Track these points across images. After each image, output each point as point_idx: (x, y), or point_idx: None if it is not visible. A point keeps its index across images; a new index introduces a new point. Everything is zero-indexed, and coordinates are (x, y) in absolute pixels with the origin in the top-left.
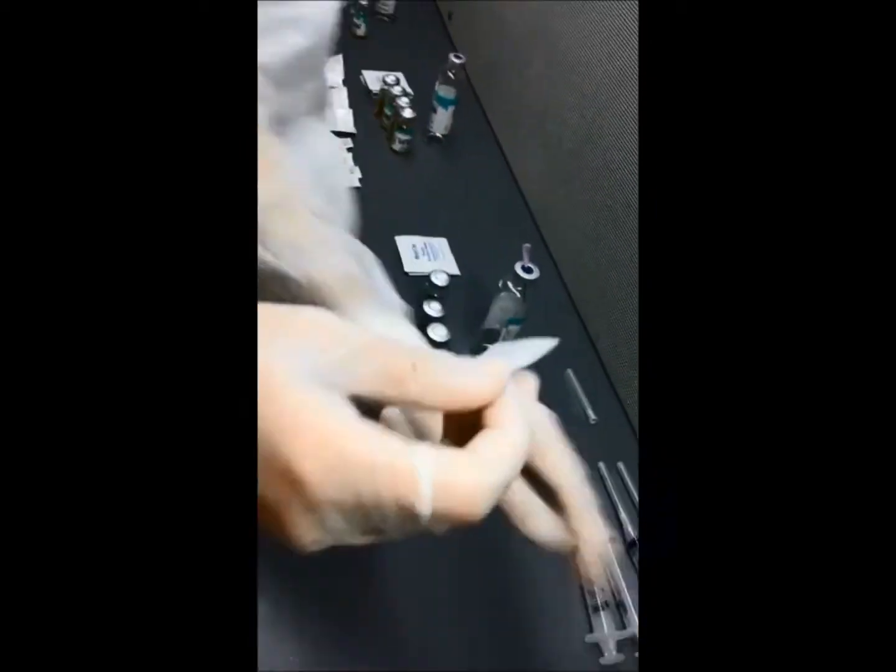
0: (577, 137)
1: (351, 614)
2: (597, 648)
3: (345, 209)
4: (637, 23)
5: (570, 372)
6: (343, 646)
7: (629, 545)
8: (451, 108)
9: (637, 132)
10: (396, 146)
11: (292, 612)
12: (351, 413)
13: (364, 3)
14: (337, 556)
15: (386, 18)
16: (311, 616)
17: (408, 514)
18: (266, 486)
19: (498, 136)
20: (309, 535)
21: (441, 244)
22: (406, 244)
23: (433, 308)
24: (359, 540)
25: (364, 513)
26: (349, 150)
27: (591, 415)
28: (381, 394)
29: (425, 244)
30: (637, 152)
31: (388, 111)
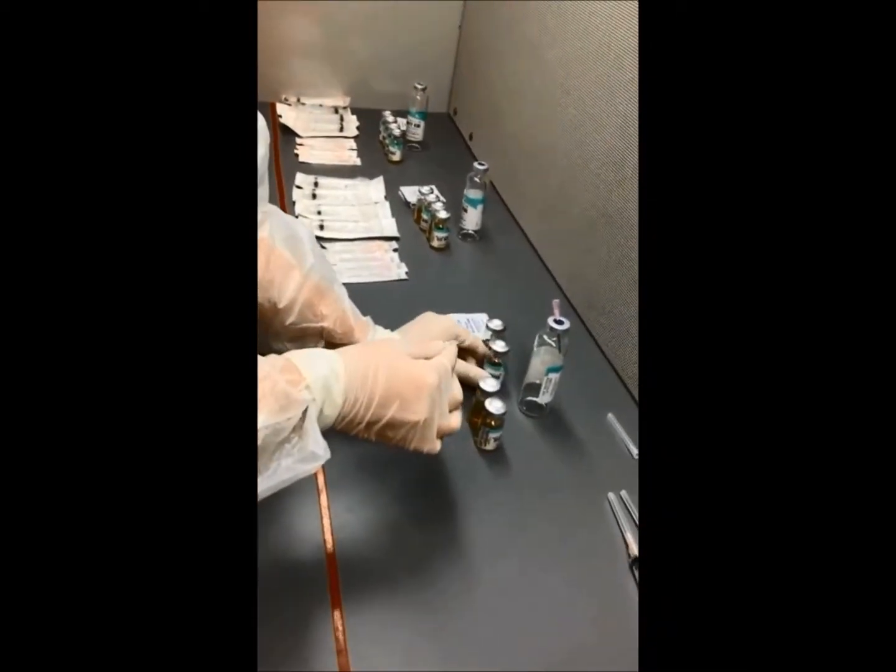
0: (592, 214)
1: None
2: None
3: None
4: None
5: (611, 415)
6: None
7: None
8: (479, 207)
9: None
10: (435, 243)
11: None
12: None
13: (397, 134)
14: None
15: (416, 145)
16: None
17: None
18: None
19: (521, 225)
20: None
21: (482, 318)
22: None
23: (489, 384)
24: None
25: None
26: (395, 250)
27: (635, 451)
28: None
29: (468, 319)
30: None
31: (425, 215)
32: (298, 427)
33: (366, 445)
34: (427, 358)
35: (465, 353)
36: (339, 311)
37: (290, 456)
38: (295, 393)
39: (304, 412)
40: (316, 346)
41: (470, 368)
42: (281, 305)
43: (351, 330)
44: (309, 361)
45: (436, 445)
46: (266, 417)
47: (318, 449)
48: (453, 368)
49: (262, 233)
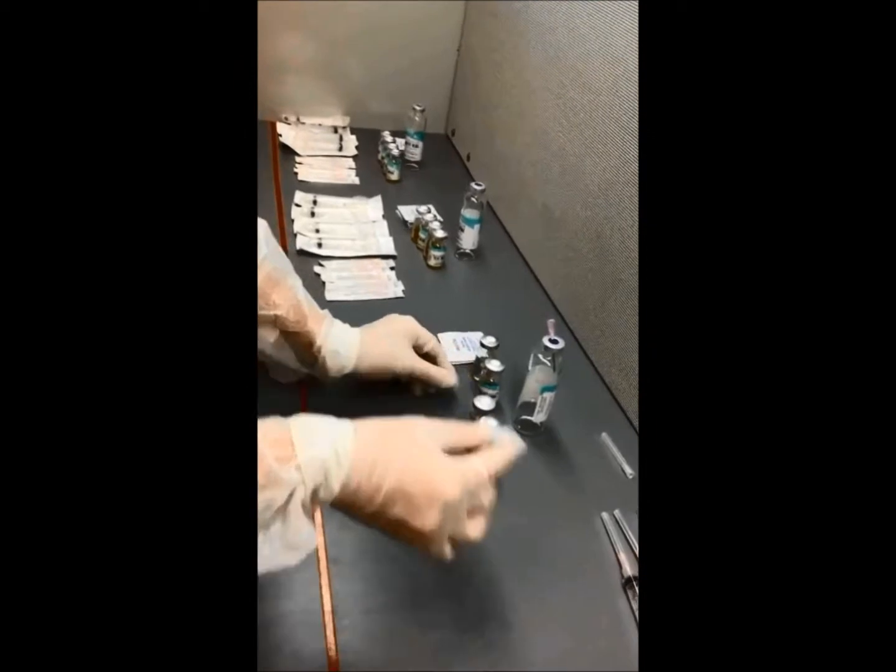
0: (588, 235)
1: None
2: None
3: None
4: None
5: (605, 435)
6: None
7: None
8: (476, 227)
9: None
10: (432, 262)
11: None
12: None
13: (395, 154)
14: None
15: (415, 165)
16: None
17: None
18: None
19: (517, 245)
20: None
21: (477, 336)
22: (448, 339)
23: (484, 403)
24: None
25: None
26: (391, 268)
27: (629, 470)
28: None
29: (464, 338)
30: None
31: (422, 234)
32: (282, 510)
33: None
34: (465, 450)
35: (427, 359)
36: (292, 299)
37: (270, 542)
38: (281, 472)
39: (291, 494)
40: (270, 335)
41: (430, 368)
42: None
43: (304, 318)
44: (310, 435)
45: (445, 554)
46: None
47: (300, 539)
48: (495, 476)
49: None
